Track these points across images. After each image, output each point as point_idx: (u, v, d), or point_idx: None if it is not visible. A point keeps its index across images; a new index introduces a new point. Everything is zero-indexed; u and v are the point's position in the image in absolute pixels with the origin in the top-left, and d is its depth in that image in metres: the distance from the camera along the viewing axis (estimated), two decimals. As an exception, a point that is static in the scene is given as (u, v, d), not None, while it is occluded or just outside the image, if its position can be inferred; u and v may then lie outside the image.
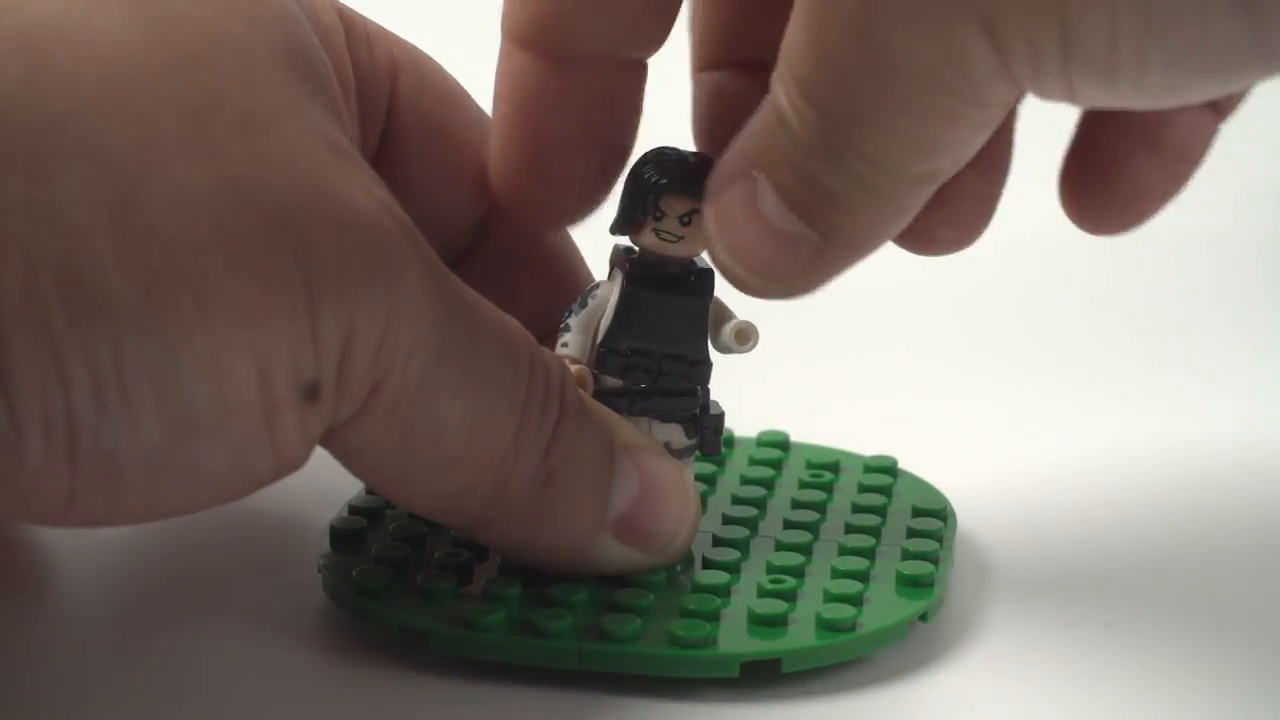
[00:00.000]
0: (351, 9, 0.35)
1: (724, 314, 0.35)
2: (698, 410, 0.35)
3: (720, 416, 0.36)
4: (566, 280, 0.38)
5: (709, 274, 0.35)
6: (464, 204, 0.36)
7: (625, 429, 0.34)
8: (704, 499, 0.38)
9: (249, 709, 0.32)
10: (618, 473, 0.33)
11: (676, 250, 0.34)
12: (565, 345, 0.35)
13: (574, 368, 0.34)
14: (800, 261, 0.30)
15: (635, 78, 0.34)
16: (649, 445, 0.34)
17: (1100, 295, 0.63)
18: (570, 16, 0.31)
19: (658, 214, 0.34)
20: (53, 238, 0.25)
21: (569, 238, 0.39)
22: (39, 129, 0.26)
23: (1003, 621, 0.36)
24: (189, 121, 0.27)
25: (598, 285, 0.35)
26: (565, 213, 0.35)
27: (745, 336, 0.35)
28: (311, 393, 0.28)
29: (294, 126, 0.28)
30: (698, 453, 0.36)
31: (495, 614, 0.32)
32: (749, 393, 0.47)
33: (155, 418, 0.26)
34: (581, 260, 0.39)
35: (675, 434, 0.35)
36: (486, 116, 0.36)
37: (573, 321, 0.35)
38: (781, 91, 0.29)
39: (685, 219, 0.34)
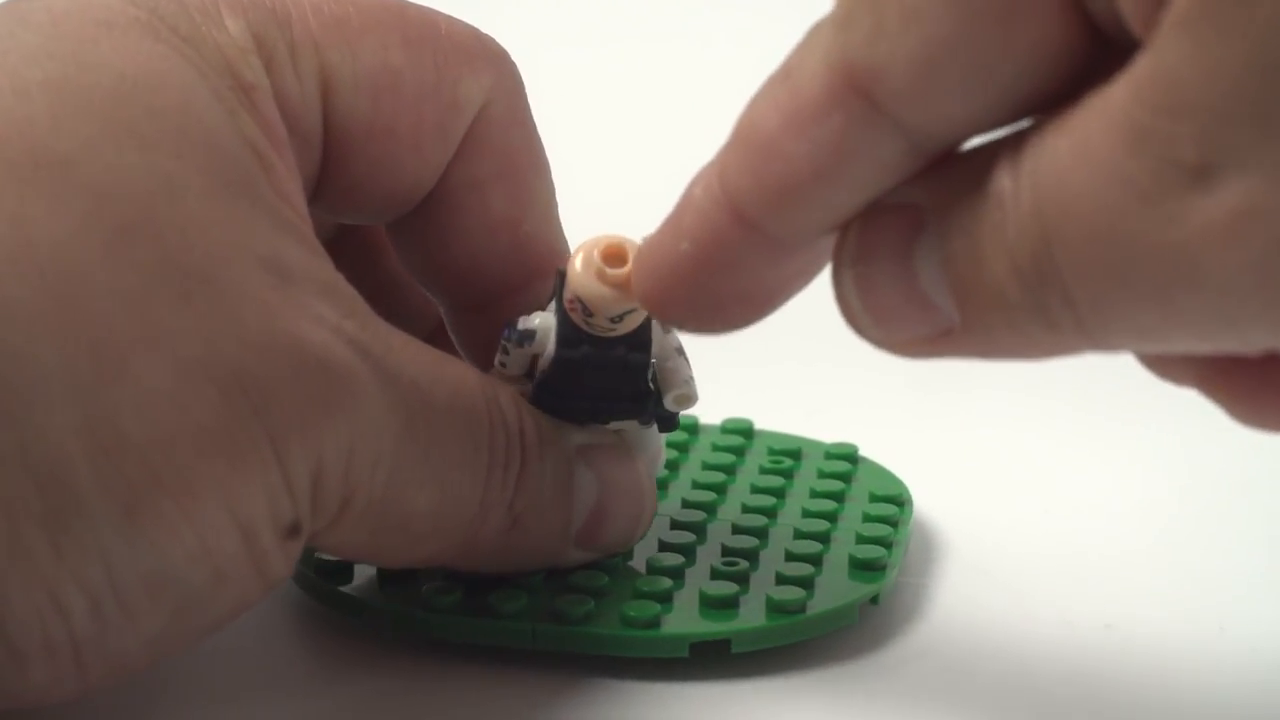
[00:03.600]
0: (273, 17, 0.32)
1: (668, 374, 0.34)
2: (650, 402, 0.34)
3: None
4: (515, 233, 0.36)
5: (643, 329, 0.33)
6: (410, 186, 0.34)
7: (578, 430, 0.34)
8: (664, 484, 0.39)
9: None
10: (577, 486, 0.33)
11: (613, 334, 0.33)
12: (504, 366, 0.34)
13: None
14: (922, 328, 0.26)
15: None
16: (603, 440, 0.34)
17: None
18: (805, 200, 0.26)
19: (587, 313, 0.32)
20: (28, 481, 0.26)
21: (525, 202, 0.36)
22: None
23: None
24: (136, 311, 0.27)
25: (533, 328, 0.33)
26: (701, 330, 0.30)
27: (685, 402, 0.34)
28: (293, 530, 0.28)
29: (237, 273, 0.28)
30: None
31: (451, 595, 0.33)
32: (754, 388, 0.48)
33: (154, 612, 0.27)
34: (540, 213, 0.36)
35: (630, 424, 0.34)
36: (434, 85, 0.34)
37: (511, 348, 0.33)
38: (1010, 184, 0.24)
39: (617, 319, 0.32)
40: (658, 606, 0.33)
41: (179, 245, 0.27)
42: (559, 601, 0.33)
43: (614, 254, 0.31)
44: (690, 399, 0.34)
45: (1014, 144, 0.24)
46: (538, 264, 0.35)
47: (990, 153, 0.25)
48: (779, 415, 0.44)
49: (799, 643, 0.33)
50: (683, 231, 0.27)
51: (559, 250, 0.35)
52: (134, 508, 0.26)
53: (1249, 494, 0.43)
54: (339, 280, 0.30)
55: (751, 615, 0.33)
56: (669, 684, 0.32)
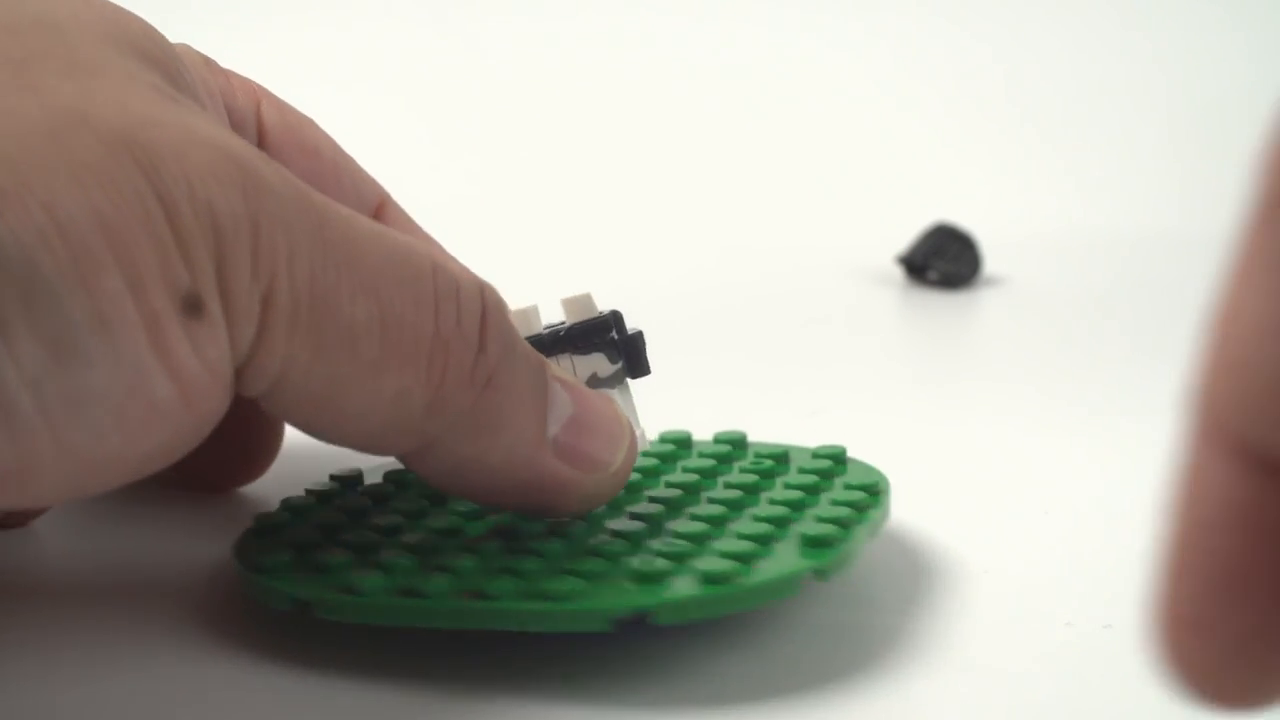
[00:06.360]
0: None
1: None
2: (614, 334, 0.35)
3: (638, 336, 0.35)
4: None
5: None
6: None
7: (551, 364, 0.34)
8: (639, 487, 0.37)
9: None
10: (552, 395, 0.33)
11: None
12: None
13: None
14: None
15: None
16: (575, 380, 0.34)
17: (1101, 298, 0.64)
18: None
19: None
20: None
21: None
22: None
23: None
24: (12, 68, 0.28)
25: None
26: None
27: None
28: (193, 305, 0.28)
29: (121, 76, 0.29)
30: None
31: (376, 578, 0.32)
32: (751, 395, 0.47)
33: (31, 337, 0.26)
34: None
35: (600, 363, 0.35)
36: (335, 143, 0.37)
37: None
38: None
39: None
40: (581, 581, 0.32)
41: (61, 49, 0.28)
42: (483, 580, 0.32)
43: None
44: None
45: None
46: None
47: None
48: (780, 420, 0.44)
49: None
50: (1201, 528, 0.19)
51: None
52: (4, 209, 0.26)
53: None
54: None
55: (680, 588, 0.32)
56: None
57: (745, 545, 0.33)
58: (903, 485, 0.40)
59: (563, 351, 0.34)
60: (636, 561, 0.33)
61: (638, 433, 0.36)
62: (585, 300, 0.35)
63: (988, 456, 0.45)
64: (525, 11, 0.82)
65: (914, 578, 0.36)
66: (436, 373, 0.31)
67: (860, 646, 0.33)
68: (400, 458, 0.33)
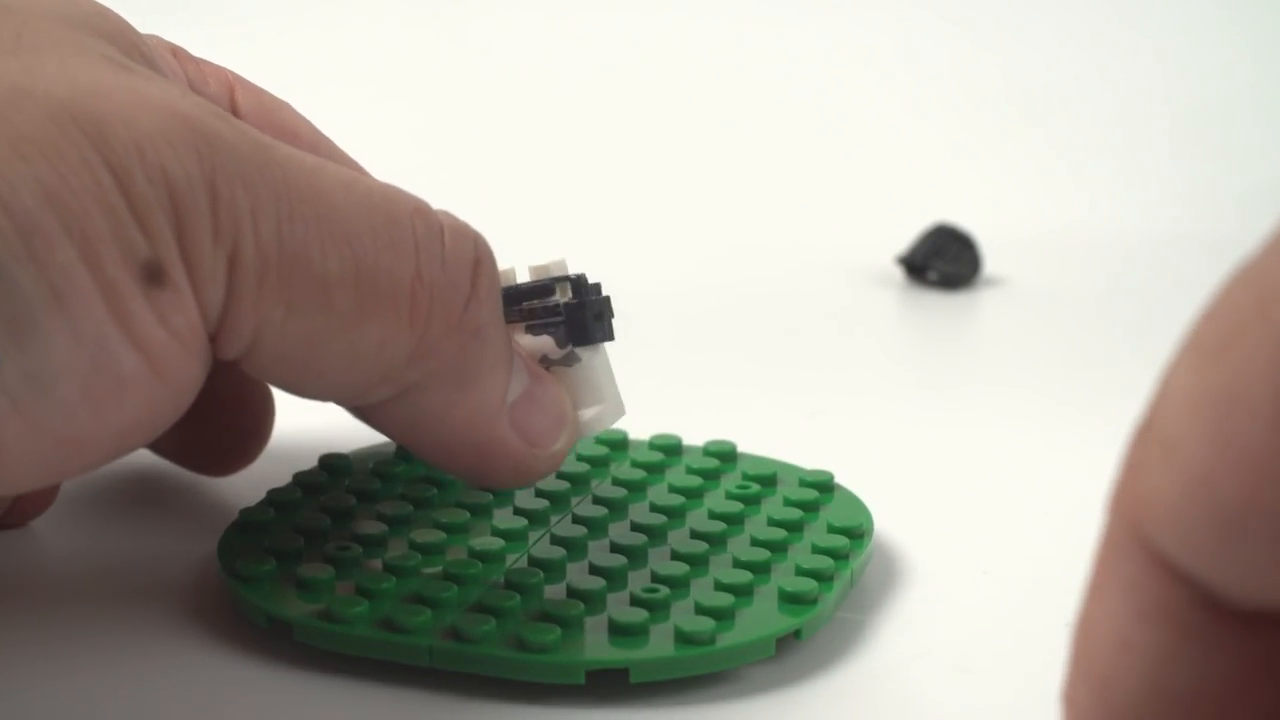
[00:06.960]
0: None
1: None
2: (557, 300, 0.34)
3: (584, 304, 0.34)
4: None
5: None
6: None
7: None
8: (623, 505, 0.37)
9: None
10: (515, 364, 0.33)
11: None
12: None
13: None
14: None
15: None
16: (528, 356, 0.34)
17: (1101, 298, 0.64)
18: None
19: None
20: None
21: None
22: None
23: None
24: None
25: None
26: None
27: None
28: (154, 274, 0.27)
29: (70, 50, 0.28)
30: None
31: (358, 607, 0.32)
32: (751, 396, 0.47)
33: (23, 374, 0.26)
34: None
35: (548, 345, 0.34)
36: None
37: None
38: None
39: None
40: (558, 630, 0.31)
41: (6, 26, 0.28)
42: (459, 619, 0.32)
43: None
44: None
45: None
46: None
47: None
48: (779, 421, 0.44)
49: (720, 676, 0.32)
50: None
51: None
52: None
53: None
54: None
55: (659, 645, 0.32)
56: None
57: (723, 599, 0.32)
58: (902, 486, 0.41)
59: (511, 320, 0.33)
60: (614, 609, 0.32)
61: (613, 401, 0.35)
62: (545, 270, 0.34)
63: (987, 457, 0.45)
64: (524, 6, 0.82)
65: (912, 578, 0.36)
66: (421, 317, 0.30)
67: (858, 645, 0.33)
68: (366, 410, 0.33)
